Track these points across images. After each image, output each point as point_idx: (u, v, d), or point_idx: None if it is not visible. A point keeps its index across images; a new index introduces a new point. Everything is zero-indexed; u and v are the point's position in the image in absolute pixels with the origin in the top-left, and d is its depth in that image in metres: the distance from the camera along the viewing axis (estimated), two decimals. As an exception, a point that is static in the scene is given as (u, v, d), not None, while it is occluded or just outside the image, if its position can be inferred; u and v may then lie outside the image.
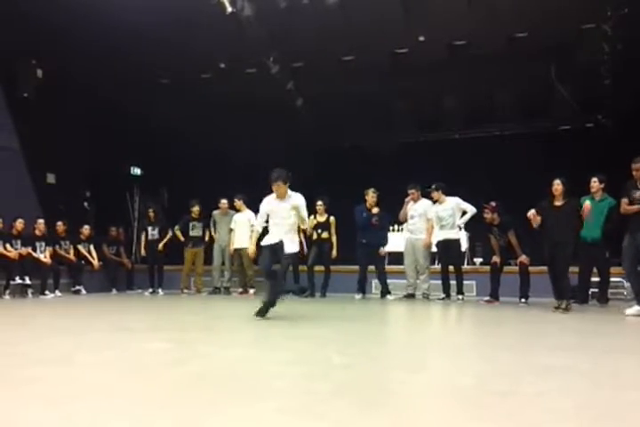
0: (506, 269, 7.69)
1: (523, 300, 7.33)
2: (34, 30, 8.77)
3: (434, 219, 8.19)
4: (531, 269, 7.42)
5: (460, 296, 7.94)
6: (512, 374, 2.81)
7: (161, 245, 9.71)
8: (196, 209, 9.66)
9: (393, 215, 8.73)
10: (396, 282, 8.79)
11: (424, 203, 8.41)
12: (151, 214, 10.06)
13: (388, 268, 9.09)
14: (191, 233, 9.69)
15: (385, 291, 8.53)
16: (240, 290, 9.42)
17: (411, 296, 8.32)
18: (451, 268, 8.10)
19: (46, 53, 9.59)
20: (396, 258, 9.07)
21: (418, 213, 8.38)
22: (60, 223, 9.49)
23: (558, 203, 6.53)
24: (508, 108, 10.73)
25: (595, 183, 7.09)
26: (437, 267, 8.47)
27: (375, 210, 8.50)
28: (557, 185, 6.53)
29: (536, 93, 10.33)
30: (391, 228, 9.89)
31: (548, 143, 10.34)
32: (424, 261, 8.28)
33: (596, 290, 7.35)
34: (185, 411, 2.07)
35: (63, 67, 9.69)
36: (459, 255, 8.40)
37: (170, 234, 9.74)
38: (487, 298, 7.64)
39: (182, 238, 9.68)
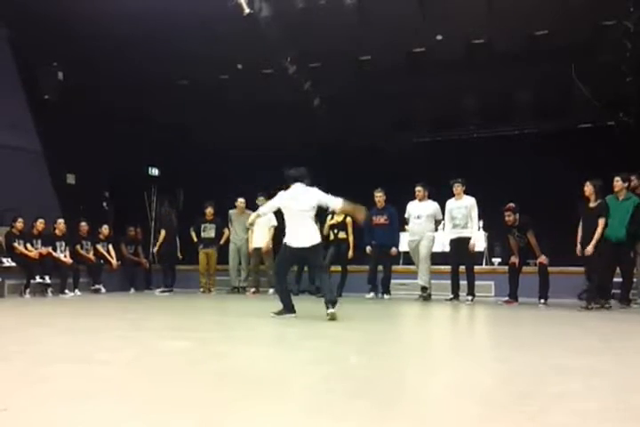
0: (525, 269, 7.60)
1: (542, 301, 7.24)
2: (55, 33, 8.89)
3: (446, 216, 8.02)
4: (550, 269, 7.33)
5: (470, 297, 7.72)
6: (533, 376, 2.76)
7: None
8: (209, 211, 9.73)
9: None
10: (410, 282, 8.76)
11: (432, 204, 8.23)
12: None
13: (403, 268, 9.06)
14: (203, 234, 9.76)
15: (385, 291, 8.46)
16: (252, 290, 9.44)
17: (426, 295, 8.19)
18: (462, 268, 7.90)
19: (67, 56, 9.70)
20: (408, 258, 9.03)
21: (426, 213, 8.17)
22: (83, 224, 9.64)
23: (592, 204, 6.71)
24: (528, 106, 10.61)
25: (617, 182, 6.99)
26: (446, 267, 8.26)
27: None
28: (586, 187, 6.74)
29: (556, 92, 10.20)
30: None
31: (569, 142, 10.21)
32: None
33: (618, 291, 7.22)
34: (204, 411, 2.07)
35: (83, 69, 9.79)
36: (471, 255, 8.03)
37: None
38: (506, 298, 7.56)
39: (195, 239, 9.77)
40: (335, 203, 5.38)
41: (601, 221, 6.62)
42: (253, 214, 5.97)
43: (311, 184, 5.46)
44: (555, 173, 9.49)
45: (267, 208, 5.76)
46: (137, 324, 5.12)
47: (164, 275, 9.79)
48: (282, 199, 5.46)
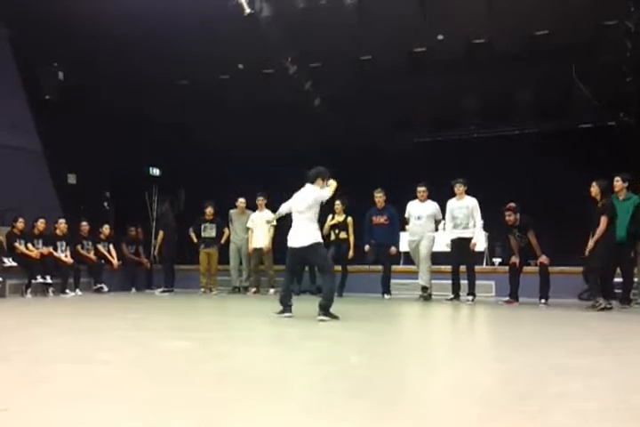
0: (525, 269, 7.59)
1: (543, 300, 7.23)
2: (55, 33, 8.90)
3: (447, 216, 8.00)
4: (551, 269, 7.32)
5: (471, 297, 7.68)
6: (533, 376, 2.77)
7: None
8: (209, 210, 9.72)
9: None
10: (410, 282, 8.76)
11: (432, 204, 8.22)
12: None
13: (403, 268, 9.04)
14: (203, 234, 9.74)
15: (385, 290, 8.46)
16: (253, 290, 9.44)
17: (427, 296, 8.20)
18: (462, 268, 7.86)
19: (67, 56, 9.71)
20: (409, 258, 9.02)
21: (426, 214, 8.15)
22: (84, 224, 9.66)
23: (599, 204, 6.69)
24: (528, 106, 10.61)
25: (618, 182, 7.00)
26: (447, 267, 8.23)
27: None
28: (592, 187, 6.72)
29: (556, 92, 10.20)
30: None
31: (569, 142, 10.20)
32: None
33: (619, 291, 7.21)
34: (204, 411, 2.07)
35: (83, 69, 9.80)
36: (472, 255, 7.98)
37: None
38: (506, 298, 7.55)
39: (195, 240, 9.77)
40: (325, 194, 5.53)
41: (603, 220, 6.60)
42: (275, 214, 6.35)
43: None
44: (555, 173, 9.48)
45: (283, 208, 5.87)
46: (137, 324, 5.12)
47: (165, 275, 9.80)
48: (291, 200, 5.65)
